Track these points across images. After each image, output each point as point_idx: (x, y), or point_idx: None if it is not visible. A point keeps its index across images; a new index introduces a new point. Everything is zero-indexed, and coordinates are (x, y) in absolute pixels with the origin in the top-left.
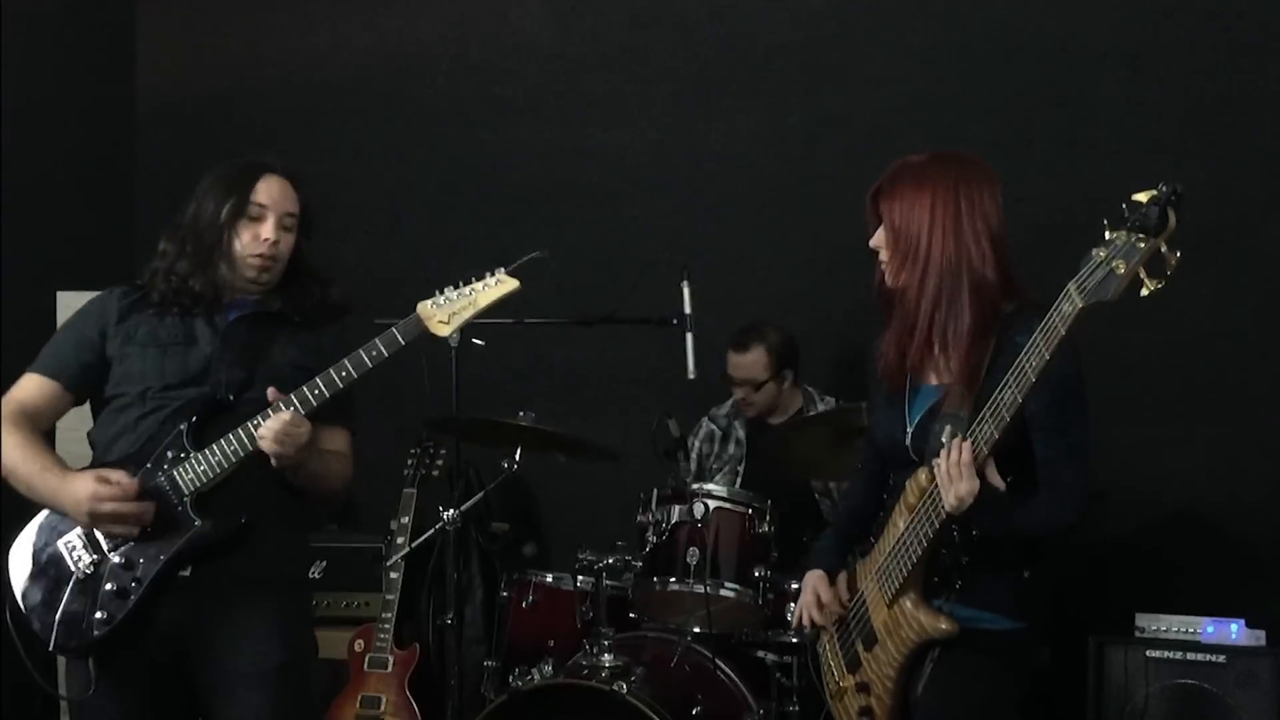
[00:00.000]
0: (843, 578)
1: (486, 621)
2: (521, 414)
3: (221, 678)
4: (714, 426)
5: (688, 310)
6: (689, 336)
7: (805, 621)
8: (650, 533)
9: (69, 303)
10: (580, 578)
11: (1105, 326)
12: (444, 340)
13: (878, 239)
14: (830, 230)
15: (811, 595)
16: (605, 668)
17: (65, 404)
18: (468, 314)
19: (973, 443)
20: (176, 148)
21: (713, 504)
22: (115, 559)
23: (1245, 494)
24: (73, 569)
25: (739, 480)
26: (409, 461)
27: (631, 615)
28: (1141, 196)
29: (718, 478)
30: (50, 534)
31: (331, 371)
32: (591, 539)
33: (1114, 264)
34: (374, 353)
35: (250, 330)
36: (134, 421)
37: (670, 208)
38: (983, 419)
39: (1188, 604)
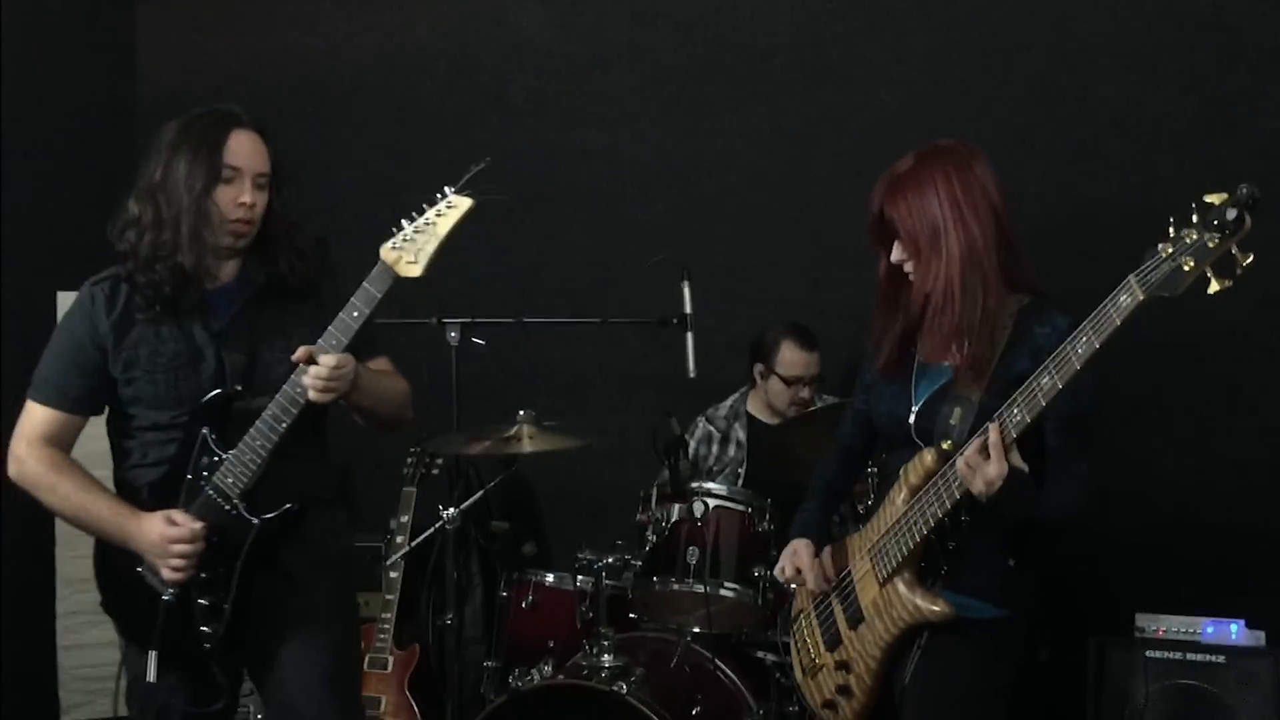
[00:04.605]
0: (827, 552)
1: (486, 621)
2: (521, 414)
3: (276, 649)
4: (712, 428)
5: (688, 310)
6: (689, 336)
7: (802, 582)
8: (650, 532)
9: (69, 303)
10: (580, 577)
11: None
12: (444, 338)
13: (899, 253)
14: (830, 230)
15: (792, 566)
16: (605, 668)
17: (81, 425)
18: (432, 246)
19: (1000, 426)
20: None
21: (712, 503)
22: (199, 573)
23: (1245, 494)
24: (159, 589)
25: (740, 483)
26: (408, 460)
27: (631, 615)
28: (1214, 198)
29: (718, 479)
30: (128, 556)
31: (320, 342)
32: (591, 538)
33: (1182, 259)
34: (355, 314)
35: (246, 322)
36: (160, 443)
37: (670, 208)
38: (1012, 403)
39: (1188, 604)
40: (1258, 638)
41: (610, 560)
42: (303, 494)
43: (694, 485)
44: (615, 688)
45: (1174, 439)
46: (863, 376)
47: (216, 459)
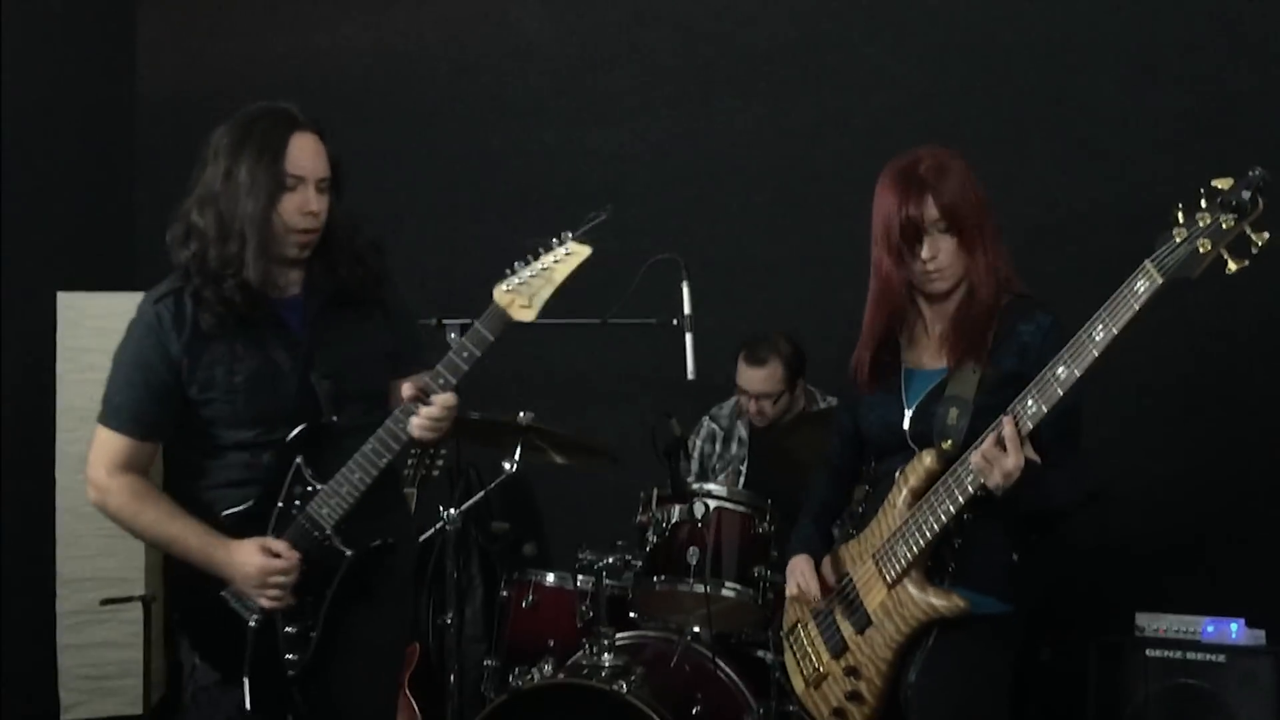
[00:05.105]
0: (826, 563)
1: (486, 621)
2: (521, 414)
3: (342, 672)
4: (715, 426)
5: (687, 310)
6: (689, 337)
7: (807, 599)
8: (650, 532)
9: (69, 303)
10: (580, 577)
11: None
12: (444, 339)
13: (931, 249)
14: (830, 230)
15: (801, 581)
16: (605, 667)
17: (157, 448)
18: (547, 292)
19: (1015, 419)
20: (176, 147)
21: (713, 504)
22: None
23: (1245, 494)
24: (244, 617)
25: (742, 480)
26: (409, 461)
27: (631, 615)
28: (1222, 182)
29: (720, 477)
30: (210, 580)
31: (428, 380)
32: (591, 539)
33: (1198, 243)
34: (465, 354)
35: (321, 336)
36: (243, 464)
37: (670, 208)
38: (1026, 396)
39: (1188, 604)
40: (1258, 637)
41: (610, 560)
42: (390, 524)
43: (694, 486)
44: (615, 687)
45: (1174, 439)
46: (844, 395)
47: (310, 489)
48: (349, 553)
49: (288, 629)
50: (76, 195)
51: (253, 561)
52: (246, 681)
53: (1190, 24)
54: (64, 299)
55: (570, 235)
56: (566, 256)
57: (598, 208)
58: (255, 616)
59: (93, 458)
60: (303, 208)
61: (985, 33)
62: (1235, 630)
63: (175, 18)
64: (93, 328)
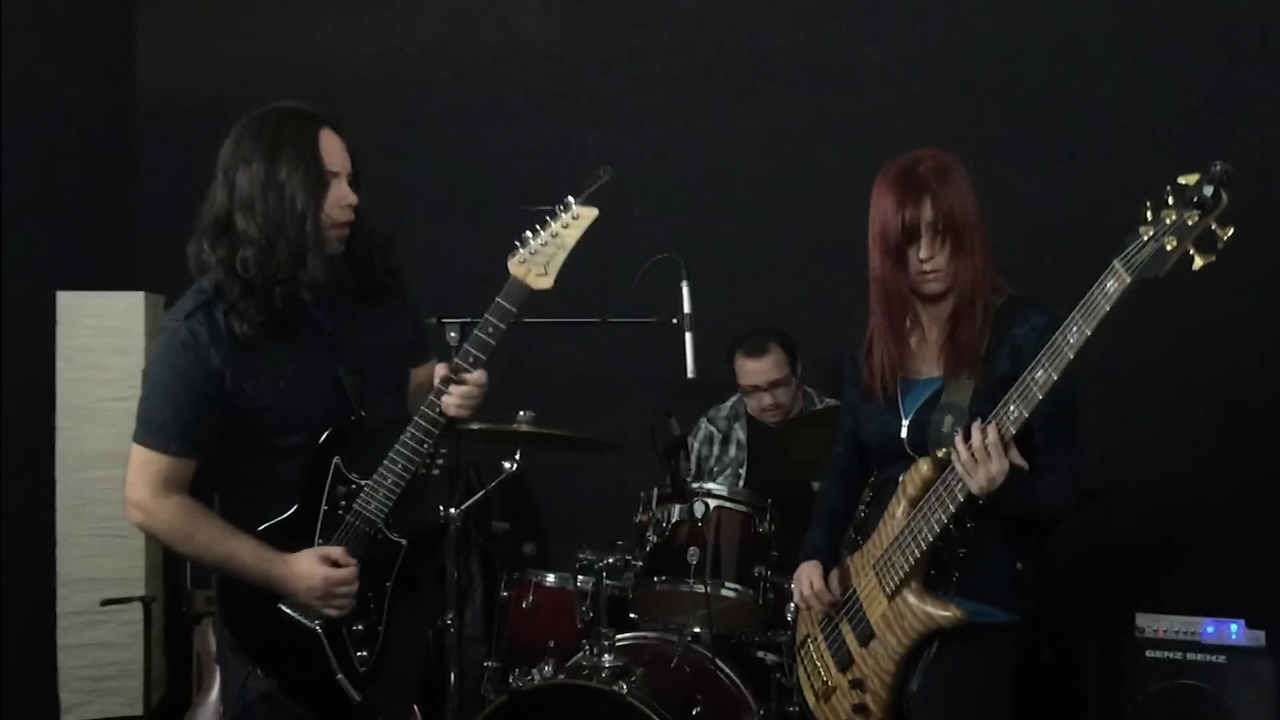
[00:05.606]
0: (833, 574)
1: (487, 621)
2: (521, 414)
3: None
4: (713, 428)
5: (688, 310)
6: (689, 336)
7: (823, 600)
8: (650, 532)
9: (69, 303)
10: (580, 578)
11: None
12: (444, 338)
13: (928, 249)
14: (830, 230)
15: (809, 587)
16: (605, 668)
17: (195, 468)
18: (561, 258)
19: (997, 424)
20: (176, 148)
21: (713, 503)
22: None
23: (1245, 494)
24: (311, 626)
25: (741, 483)
26: None
27: (632, 615)
28: (1187, 179)
29: (719, 480)
30: (265, 595)
31: (457, 360)
32: (591, 539)
33: (1164, 240)
34: (490, 329)
35: (350, 332)
36: (287, 471)
37: (670, 208)
38: (1008, 400)
39: (1188, 604)
40: (1258, 638)
41: (610, 560)
42: (431, 509)
43: (695, 486)
44: (615, 688)
45: (1174, 439)
46: (845, 397)
47: (354, 486)
48: (404, 542)
49: (356, 627)
50: (76, 195)
51: (316, 573)
52: (342, 677)
53: (1190, 24)
54: (64, 299)
55: (573, 200)
56: (574, 221)
57: (597, 207)
58: (318, 622)
59: (133, 480)
60: (341, 201)
61: (985, 33)
62: (1235, 631)
63: (175, 18)
64: (93, 327)
